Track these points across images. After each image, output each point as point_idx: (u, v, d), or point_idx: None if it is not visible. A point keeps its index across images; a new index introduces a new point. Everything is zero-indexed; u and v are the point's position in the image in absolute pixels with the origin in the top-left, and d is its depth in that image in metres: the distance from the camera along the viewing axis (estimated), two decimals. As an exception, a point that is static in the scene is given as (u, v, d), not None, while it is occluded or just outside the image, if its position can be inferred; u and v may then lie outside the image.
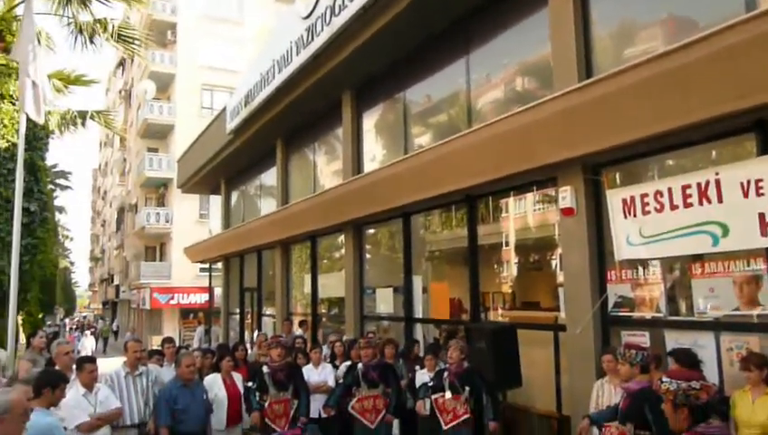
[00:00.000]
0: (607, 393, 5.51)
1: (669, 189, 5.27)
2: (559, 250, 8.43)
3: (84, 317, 62.27)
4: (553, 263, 8.81)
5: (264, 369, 6.54)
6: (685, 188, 5.13)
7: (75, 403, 5.35)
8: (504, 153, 6.80)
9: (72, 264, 70.75)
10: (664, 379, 2.89)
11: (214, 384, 6.72)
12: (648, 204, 5.46)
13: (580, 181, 6.31)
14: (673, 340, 5.53)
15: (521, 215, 8.51)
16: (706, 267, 5.35)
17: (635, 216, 5.60)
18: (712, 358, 5.21)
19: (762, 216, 4.55)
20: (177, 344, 8.41)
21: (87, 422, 5.40)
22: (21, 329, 19.22)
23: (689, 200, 5.09)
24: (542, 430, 7.89)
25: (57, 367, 5.82)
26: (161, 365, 7.38)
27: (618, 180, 6.26)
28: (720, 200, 4.85)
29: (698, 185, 5.01)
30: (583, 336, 6.23)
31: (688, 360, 4.83)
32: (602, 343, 6.18)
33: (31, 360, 7.40)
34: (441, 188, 8.00)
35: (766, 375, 4.57)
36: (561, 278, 8.00)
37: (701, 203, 5.00)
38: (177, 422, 5.98)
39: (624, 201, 5.71)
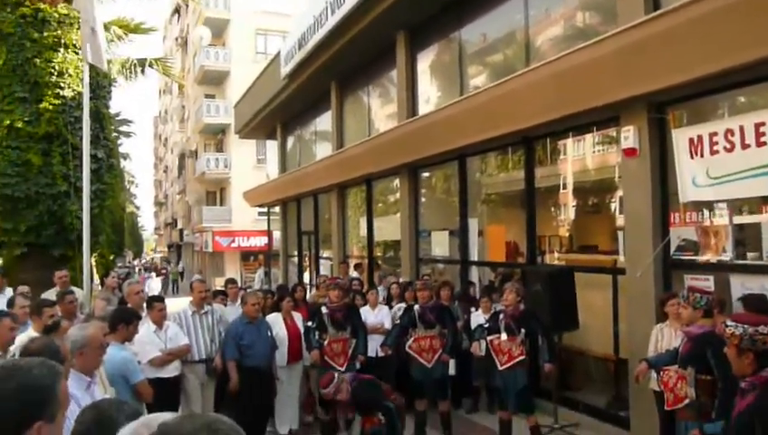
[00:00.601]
0: (666, 338, 5.43)
1: (741, 128, 5.01)
2: (618, 193, 8.22)
3: (151, 259, 65.11)
4: (612, 206, 8.60)
5: (323, 309, 6.72)
6: (758, 126, 4.87)
7: (147, 339, 5.66)
8: (564, 92, 6.57)
9: (137, 208, 73.51)
10: (729, 323, 2.82)
11: (275, 323, 6.95)
12: (716, 143, 5.22)
13: (645, 120, 6.07)
14: (739, 284, 5.37)
15: (579, 157, 8.29)
16: (778, 209, 5.13)
17: (702, 156, 5.37)
18: (782, 303, 5.04)
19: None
20: (239, 286, 8.71)
21: (158, 357, 5.72)
22: (94, 270, 20.28)
23: (763, 139, 4.84)
24: (599, 373, 7.89)
25: (129, 305, 6.14)
26: (225, 305, 7.70)
27: (684, 119, 5.98)
28: (796, 138, 4.59)
29: (773, 122, 4.75)
30: (643, 280, 6.12)
31: (758, 305, 4.68)
32: (663, 287, 6.06)
33: (105, 298, 7.81)
34: (498, 130, 7.84)
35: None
36: (620, 221, 7.83)
37: (775, 141, 4.74)
38: (243, 357, 6.27)
39: (691, 141, 5.47)
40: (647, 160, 6.10)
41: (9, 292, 7.58)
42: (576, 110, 6.48)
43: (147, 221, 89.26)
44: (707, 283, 5.57)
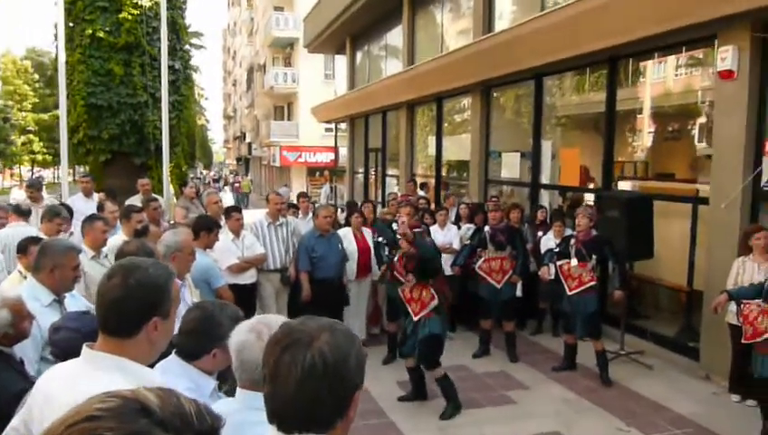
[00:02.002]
0: (749, 271, 5.24)
1: None
2: (700, 119, 7.78)
3: (221, 171, 66.97)
4: (693, 133, 8.17)
5: (394, 226, 6.79)
6: None
7: (226, 247, 5.89)
8: (660, 7, 6.13)
9: (207, 121, 75.10)
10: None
11: (345, 238, 7.09)
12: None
13: (747, 40, 5.62)
14: (834, 219, 5.08)
15: (660, 80, 7.82)
16: None
17: (809, 80, 4.96)
18: None
19: None
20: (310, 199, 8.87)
21: (236, 264, 5.97)
22: (170, 180, 21.04)
23: None
24: (670, 303, 7.77)
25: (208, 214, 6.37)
26: (296, 218, 7.89)
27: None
28: None
29: None
30: (729, 211, 5.87)
31: None
32: (749, 220, 5.80)
33: (184, 207, 8.16)
34: (580, 48, 7.46)
35: None
36: (700, 150, 7.46)
37: None
38: (315, 269, 6.47)
39: (798, 64, 5.05)
40: (745, 83, 5.70)
41: (96, 197, 7.98)
42: (672, 26, 6.04)
43: (216, 134, 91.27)
44: (799, 216, 5.29)
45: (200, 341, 2.08)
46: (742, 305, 4.32)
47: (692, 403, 5.61)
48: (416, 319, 5.45)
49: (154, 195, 7.80)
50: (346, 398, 1.29)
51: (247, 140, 48.90)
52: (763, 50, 5.63)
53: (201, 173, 55.61)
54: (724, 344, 5.75)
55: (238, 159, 60.19)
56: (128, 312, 1.63)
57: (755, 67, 5.67)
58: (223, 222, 6.18)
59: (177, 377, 1.99)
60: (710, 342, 6.19)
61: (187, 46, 19.67)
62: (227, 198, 26.85)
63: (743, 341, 4.30)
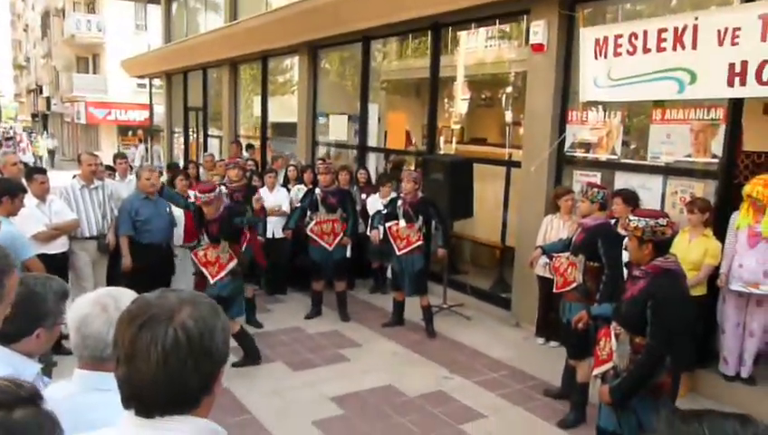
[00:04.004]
0: (556, 228, 5.83)
1: (645, 32, 5.20)
2: (509, 89, 8.43)
3: (11, 129, 59.32)
4: (503, 101, 8.84)
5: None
6: (661, 31, 5.07)
7: (30, 213, 5.21)
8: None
9: (-8, 70, 65.64)
10: (632, 217, 3.06)
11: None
12: (620, 45, 5.40)
13: (555, 16, 6.14)
14: (622, 182, 5.80)
15: (475, 49, 8.29)
16: (666, 114, 5.49)
17: (606, 57, 5.55)
18: (656, 200, 5.54)
19: (731, 66, 4.59)
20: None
21: (43, 232, 5.35)
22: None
23: (663, 44, 5.06)
24: (486, 259, 8.43)
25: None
26: (113, 180, 7.25)
27: (592, 19, 6.12)
28: (694, 47, 4.84)
29: (675, 29, 4.95)
30: (537, 174, 6.44)
31: (634, 200, 5.12)
32: (555, 182, 6.42)
33: (-28, 168, 7.10)
34: (406, 14, 7.66)
35: (706, 219, 4.92)
36: (509, 117, 8.10)
37: (674, 48, 4.98)
38: (139, 234, 6.01)
39: (597, 41, 5.62)
40: (552, 57, 6.25)
41: None
42: (490, -1, 6.41)
43: (3, 86, 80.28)
44: (595, 179, 5.95)
45: (21, 321, 1.81)
46: (553, 259, 4.79)
47: (506, 348, 6.18)
48: (212, 282, 5.45)
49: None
50: (213, 374, 1.20)
51: (45, 93, 43.77)
52: (568, 26, 6.18)
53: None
54: (532, 295, 6.39)
55: (34, 115, 53.78)
56: None
57: (561, 42, 6.22)
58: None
59: (-6, 363, 1.73)
60: (520, 293, 6.83)
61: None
62: (27, 160, 23.95)
63: (554, 290, 4.78)
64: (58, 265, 5.33)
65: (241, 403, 4.82)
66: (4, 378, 0.83)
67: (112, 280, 6.10)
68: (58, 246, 5.54)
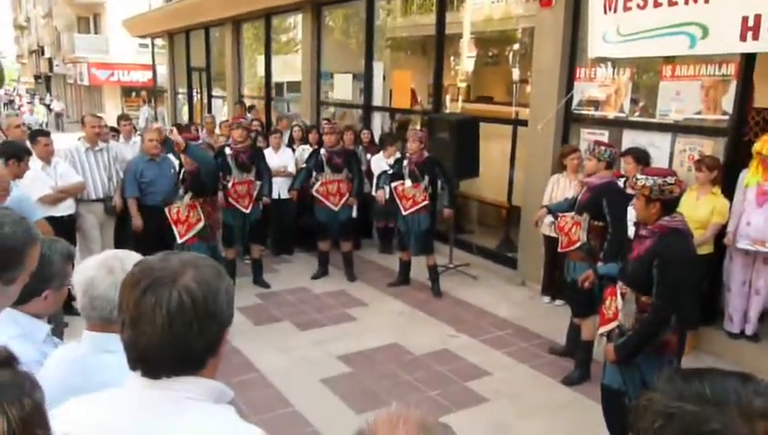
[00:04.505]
0: (562, 187, 5.79)
1: (656, -15, 5.06)
2: (516, 46, 8.29)
3: (14, 90, 58.98)
4: (510, 58, 8.70)
5: (227, 150, 6.49)
6: (673, -16, 4.94)
7: (35, 176, 5.23)
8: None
9: (-7, 32, 64.75)
10: (639, 176, 3.03)
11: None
12: (631, 0, 5.27)
13: (564, -31, 5.98)
14: (630, 140, 5.73)
15: (482, 5, 8.11)
16: (677, 70, 5.38)
17: (615, 11, 5.42)
18: (664, 158, 5.48)
19: (744, 20, 4.47)
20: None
21: (49, 195, 5.36)
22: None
23: (675, -1, 4.93)
24: (492, 218, 8.42)
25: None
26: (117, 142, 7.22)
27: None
28: (706, 0, 4.72)
29: (687, -18, 4.82)
30: (544, 132, 6.37)
31: (645, 158, 5.07)
32: (562, 140, 6.36)
33: (-23, 131, 7.10)
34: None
35: (714, 177, 4.88)
36: (516, 75, 7.97)
37: (686, 2, 4.85)
38: (144, 195, 6.03)
39: (607, -5, 5.48)
40: (560, 12, 6.11)
41: None
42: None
43: (5, 47, 79.36)
44: (603, 137, 5.89)
45: (29, 283, 1.82)
46: (558, 218, 4.77)
47: (512, 307, 6.22)
48: (179, 241, 5.50)
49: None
50: (218, 335, 1.21)
51: (47, 54, 43.35)
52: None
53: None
54: (537, 254, 6.40)
55: (37, 77, 53.39)
56: None
57: (571, -4, 6.08)
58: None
59: (4, 324, 1.75)
60: (526, 252, 6.83)
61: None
62: (32, 121, 23.87)
63: (559, 250, 4.78)
64: (65, 227, 5.37)
65: (250, 362, 4.90)
66: None
67: (120, 242, 6.14)
68: (65, 209, 5.55)
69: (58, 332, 3.92)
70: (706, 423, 0.81)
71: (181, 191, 5.59)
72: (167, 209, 5.65)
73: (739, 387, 0.85)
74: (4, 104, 39.06)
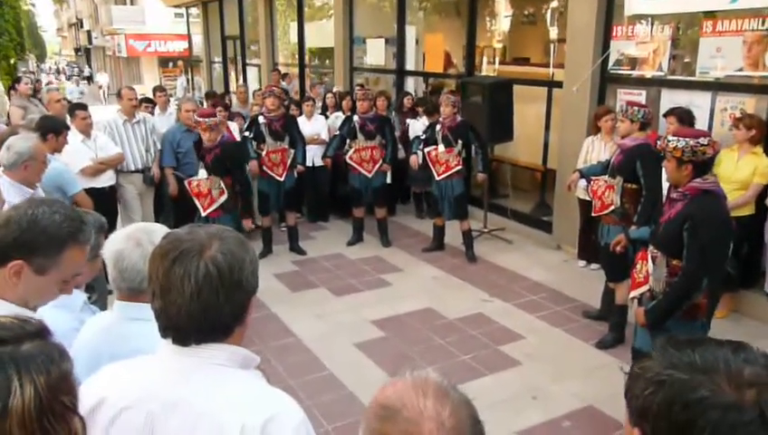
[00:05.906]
0: (597, 150, 5.69)
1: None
2: (553, 4, 8.03)
3: (55, 64, 60.15)
4: (547, 16, 8.46)
5: (260, 119, 6.56)
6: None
7: (76, 149, 5.38)
8: None
9: (33, 6, 65.80)
10: (670, 138, 2.95)
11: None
12: (670, -48, 5.08)
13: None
14: (669, 99, 5.57)
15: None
16: (718, 25, 5.18)
17: (654, -35, 5.24)
18: (704, 118, 5.32)
19: (790, -31, 4.28)
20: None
21: (90, 166, 5.52)
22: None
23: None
24: (527, 182, 8.33)
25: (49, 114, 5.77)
26: (152, 114, 7.35)
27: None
28: (750, -50, 4.52)
29: (730, -68, 4.62)
30: (579, 93, 6.24)
31: (689, 118, 4.93)
32: (597, 102, 6.22)
33: (21, 106, 7.31)
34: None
35: (752, 135, 4.72)
36: (553, 34, 7.74)
37: (728, -47, 4.66)
38: (180, 165, 6.16)
39: (644, -51, 5.29)
40: (597, -31, 5.91)
41: None
42: None
43: (46, 21, 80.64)
44: (640, 98, 5.74)
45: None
46: (591, 182, 4.70)
47: (546, 271, 6.20)
48: (203, 214, 5.55)
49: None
50: (244, 304, 1.27)
51: (86, 27, 44.00)
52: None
53: (36, 66, 49.75)
54: (572, 218, 6.33)
55: (77, 50, 54.31)
56: None
57: (607, -48, 5.87)
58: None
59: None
60: (561, 216, 6.77)
61: None
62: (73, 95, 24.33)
63: (592, 214, 4.72)
64: (106, 198, 5.55)
65: (286, 327, 5.02)
66: (10, 316, 0.93)
67: (160, 211, 6.31)
68: (106, 180, 5.71)
69: (102, 300, 4.10)
70: (695, 391, 0.83)
71: (202, 171, 5.62)
72: (186, 182, 5.70)
73: (729, 356, 0.86)
74: (53, 74, 39.93)
